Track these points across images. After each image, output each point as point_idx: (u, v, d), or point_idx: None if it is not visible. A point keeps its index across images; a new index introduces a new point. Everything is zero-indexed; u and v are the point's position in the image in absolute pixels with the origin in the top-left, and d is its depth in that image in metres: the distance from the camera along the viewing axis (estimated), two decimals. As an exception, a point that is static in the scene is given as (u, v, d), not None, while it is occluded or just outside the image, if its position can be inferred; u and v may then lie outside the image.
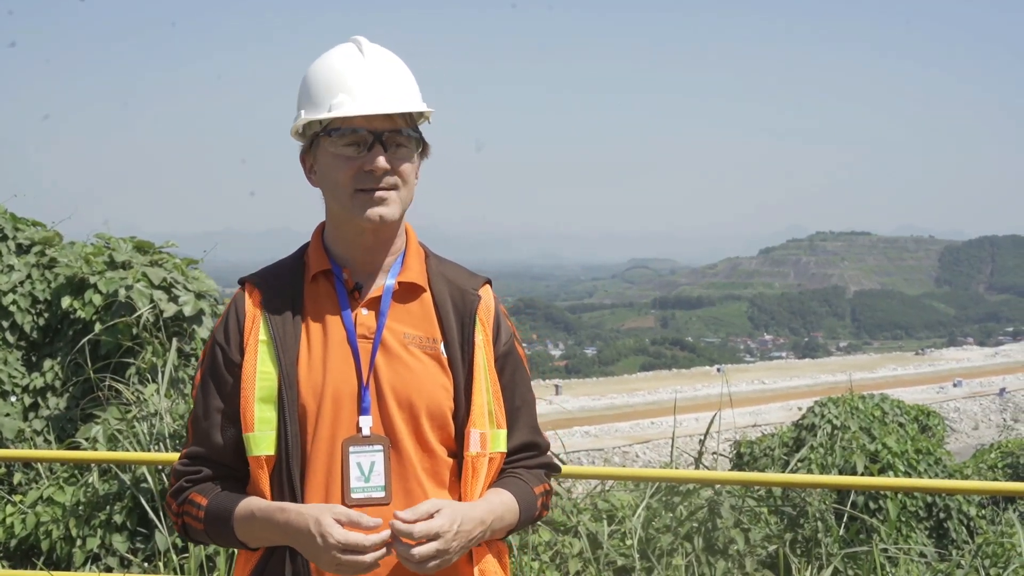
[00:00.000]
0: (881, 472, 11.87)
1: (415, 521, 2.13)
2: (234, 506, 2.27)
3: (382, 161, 2.25)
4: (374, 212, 2.27)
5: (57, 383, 8.60)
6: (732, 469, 13.78)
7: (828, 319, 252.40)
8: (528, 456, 2.51)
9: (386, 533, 2.12)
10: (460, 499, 2.32)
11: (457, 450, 2.36)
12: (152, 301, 8.32)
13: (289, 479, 2.25)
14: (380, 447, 2.26)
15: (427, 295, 2.41)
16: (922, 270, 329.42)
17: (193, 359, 8.49)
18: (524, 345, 2.59)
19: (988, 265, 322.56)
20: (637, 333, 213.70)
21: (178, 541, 6.07)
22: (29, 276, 9.04)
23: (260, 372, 2.28)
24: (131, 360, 8.12)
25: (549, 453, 2.61)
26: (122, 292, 8.31)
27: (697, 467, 7.05)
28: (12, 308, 8.78)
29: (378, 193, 2.27)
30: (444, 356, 2.36)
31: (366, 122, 2.25)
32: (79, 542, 6.41)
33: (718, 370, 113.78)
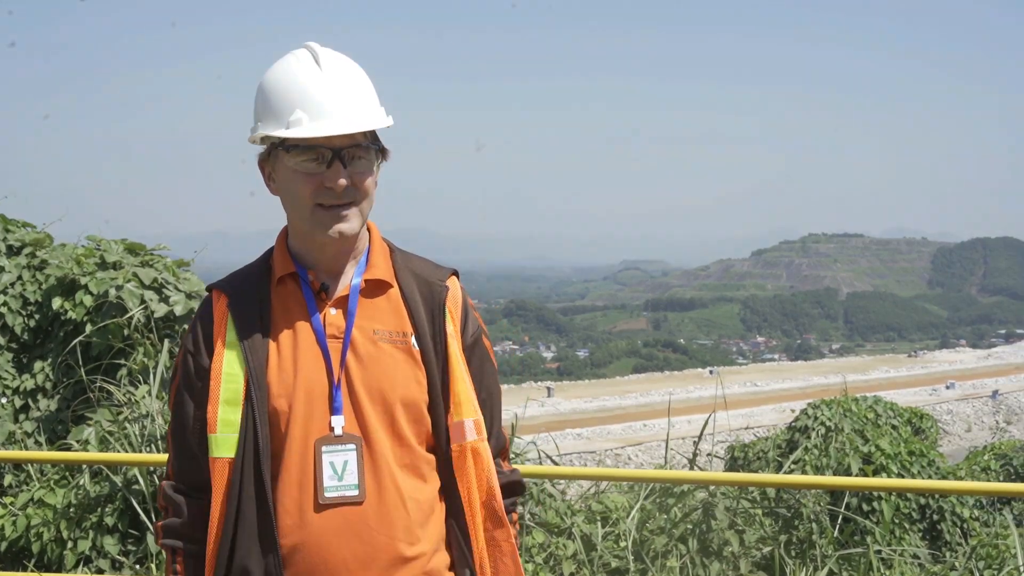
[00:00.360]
0: (875, 474, 11.86)
1: None
2: None
3: (343, 180, 2.24)
4: (334, 230, 2.27)
5: (48, 384, 8.56)
6: (726, 471, 13.75)
7: (821, 321, 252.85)
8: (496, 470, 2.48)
9: None
10: (456, 491, 2.35)
11: (436, 443, 2.36)
12: (143, 301, 8.29)
13: (259, 480, 2.24)
14: (353, 446, 2.26)
15: (394, 290, 2.41)
16: (915, 272, 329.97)
17: (184, 360, 8.46)
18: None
19: (980, 267, 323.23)
20: (629, 335, 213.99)
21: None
22: (20, 277, 9.01)
23: (226, 374, 2.28)
24: (122, 361, 8.09)
25: (513, 468, 2.61)
26: (112, 292, 8.28)
27: (691, 469, 7.04)
28: (3, 309, 8.75)
29: (338, 210, 2.26)
30: (416, 349, 2.35)
31: (326, 140, 2.24)
32: (70, 544, 6.38)
33: (711, 372, 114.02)
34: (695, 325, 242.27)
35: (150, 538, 6.03)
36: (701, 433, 6.98)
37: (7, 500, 7.04)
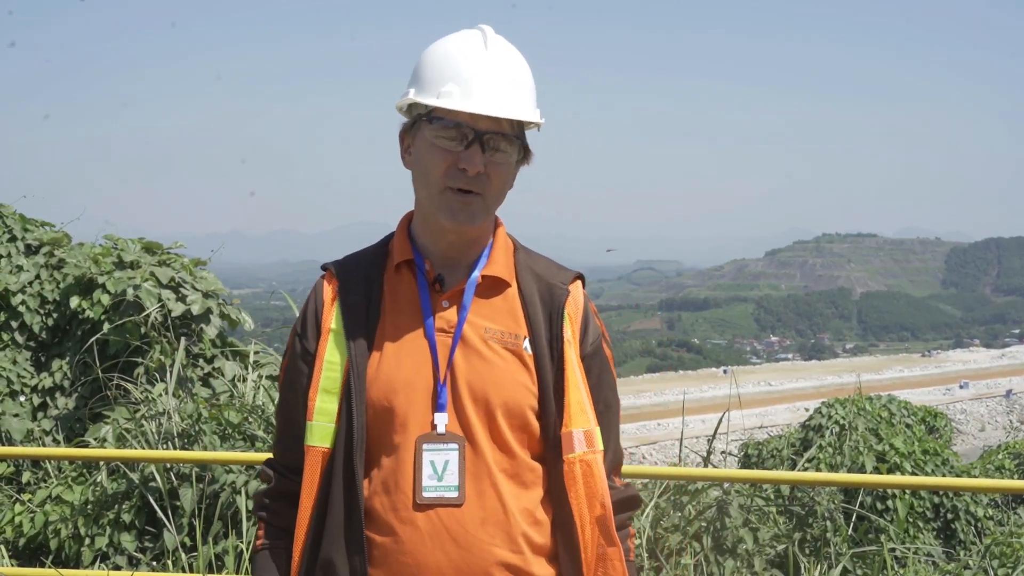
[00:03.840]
0: (889, 473, 11.85)
1: None
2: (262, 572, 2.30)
3: (478, 162, 2.16)
4: (455, 217, 2.19)
5: (66, 383, 8.62)
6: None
7: (834, 321, 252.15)
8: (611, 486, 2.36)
9: None
10: (566, 504, 2.23)
11: (545, 452, 2.25)
12: (160, 300, 8.34)
13: (350, 474, 2.18)
14: (455, 445, 2.17)
15: (512, 290, 2.31)
16: (928, 272, 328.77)
17: (201, 359, 8.50)
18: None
19: (994, 267, 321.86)
20: (643, 335, 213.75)
21: (187, 540, 6.08)
22: (38, 276, 9.08)
23: (327, 362, 2.22)
24: (139, 360, 8.14)
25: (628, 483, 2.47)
26: (130, 291, 8.33)
27: (706, 467, 7.04)
28: (21, 308, 8.81)
29: (465, 199, 2.18)
30: (528, 353, 2.25)
31: (471, 119, 2.15)
32: (87, 541, 6.42)
33: (724, 372, 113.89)
34: (709, 325, 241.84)
35: (167, 535, 6.06)
36: (715, 431, 6.98)
37: (25, 497, 7.09)
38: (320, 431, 2.21)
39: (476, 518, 2.15)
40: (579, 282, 2.38)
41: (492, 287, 2.29)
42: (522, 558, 2.17)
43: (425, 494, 2.14)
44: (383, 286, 2.29)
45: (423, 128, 2.20)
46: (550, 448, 2.23)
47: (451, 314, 2.25)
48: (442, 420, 2.18)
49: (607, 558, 2.25)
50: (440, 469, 2.16)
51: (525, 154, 2.27)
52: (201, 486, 6.16)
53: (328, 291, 2.30)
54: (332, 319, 2.26)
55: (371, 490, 2.18)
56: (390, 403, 2.19)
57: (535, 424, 2.23)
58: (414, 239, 2.32)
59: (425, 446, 2.16)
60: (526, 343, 2.26)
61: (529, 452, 2.24)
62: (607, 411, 2.36)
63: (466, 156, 2.16)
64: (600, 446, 2.28)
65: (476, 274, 2.27)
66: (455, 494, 2.15)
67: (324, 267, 2.35)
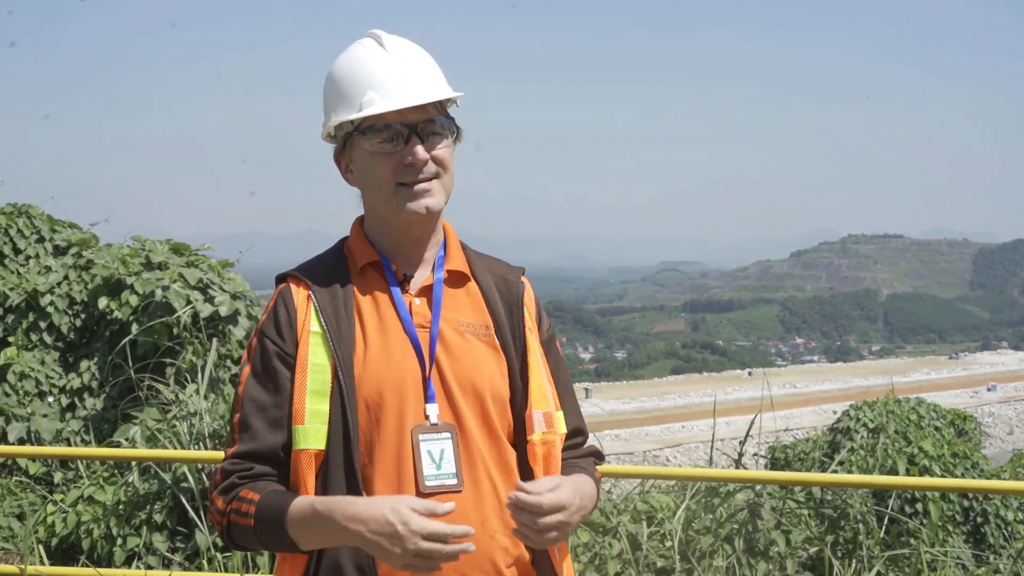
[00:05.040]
0: (919, 476, 11.79)
1: (540, 493, 2.13)
2: (289, 502, 2.15)
3: (421, 152, 2.25)
4: (419, 205, 2.27)
5: (94, 384, 8.65)
6: (767, 472, 13.69)
7: (860, 322, 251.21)
8: (577, 443, 2.52)
9: (467, 528, 2.06)
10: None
11: (516, 437, 2.35)
12: (189, 302, 8.36)
13: (351, 471, 2.19)
14: (448, 434, 2.24)
15: (473, 284, 2.42)
16: (956, 273, 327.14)
17: (229, 360, 8.50)
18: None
19: (1023, 268, 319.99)
20: (667, 336, 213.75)
21: (219, 540, 6.08)
22: (66, 277, 9.12)
23: (312, 364, 2.24)
24: (168, 360, 8.15)
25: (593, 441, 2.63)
26: (158, 293, 8.35)
27: (737, 469, 7.02)
28: (49, 309, 8.85)
29: (420, 185, 2.27)
30: (497, 343, 2.37)
31: (399, 116, 2.25)
32: (120, 541, 6.44)
33: (749, 374, 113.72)
34: (733, 326, 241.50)
35: (199, 535, 6.07)
36: (747, 433, 6.96)
37: (57, 497, 7.11)
38: (314, 434, 2.22)
39: (475, 504, 2.23)
40: (523, 275, 2.53)
41: (455, 281, 2.41)
42: (512, 540, 2.25)
43: (427, 483, 2.20)
44: (353, 288, 2.34)
45: (357, 142, 2.29)
46: (517, 431, 2.36)
47: (424, 310, 2.34)
48: (434, 411, 2.26)
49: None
50: (437, 458, 2.23)
51: (457, 133, 2.36)
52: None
53: (300, 296, 2.32)
54: (311, 322, 2.28)
55: (376, 486, 2.21)
56: (383, 399, 2.24)
57: (510, 410, 2.35)
58: (372, 242, 2.39)
59: (421, 436, 2.23)
60: (494, 333, 2.38)
61: (508, 439, 2.35)
62: (567, 393, 2.52)
63: (408, 151, 2.26)
64: (561, 428, 2.42)
65: (442, 270, 2.38)
66: (454, 481, 2.22)
67: (283, 276, 2.39)
